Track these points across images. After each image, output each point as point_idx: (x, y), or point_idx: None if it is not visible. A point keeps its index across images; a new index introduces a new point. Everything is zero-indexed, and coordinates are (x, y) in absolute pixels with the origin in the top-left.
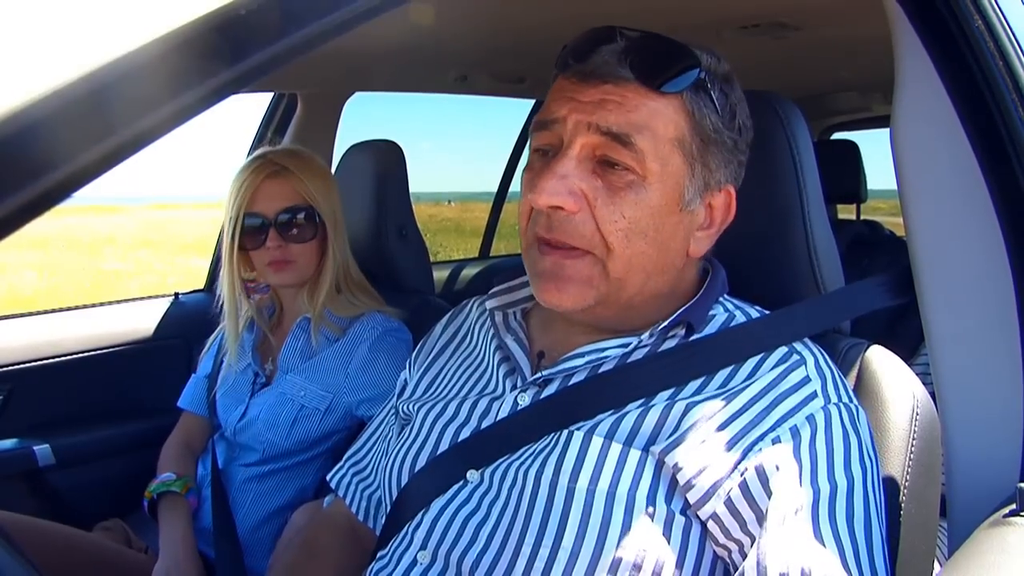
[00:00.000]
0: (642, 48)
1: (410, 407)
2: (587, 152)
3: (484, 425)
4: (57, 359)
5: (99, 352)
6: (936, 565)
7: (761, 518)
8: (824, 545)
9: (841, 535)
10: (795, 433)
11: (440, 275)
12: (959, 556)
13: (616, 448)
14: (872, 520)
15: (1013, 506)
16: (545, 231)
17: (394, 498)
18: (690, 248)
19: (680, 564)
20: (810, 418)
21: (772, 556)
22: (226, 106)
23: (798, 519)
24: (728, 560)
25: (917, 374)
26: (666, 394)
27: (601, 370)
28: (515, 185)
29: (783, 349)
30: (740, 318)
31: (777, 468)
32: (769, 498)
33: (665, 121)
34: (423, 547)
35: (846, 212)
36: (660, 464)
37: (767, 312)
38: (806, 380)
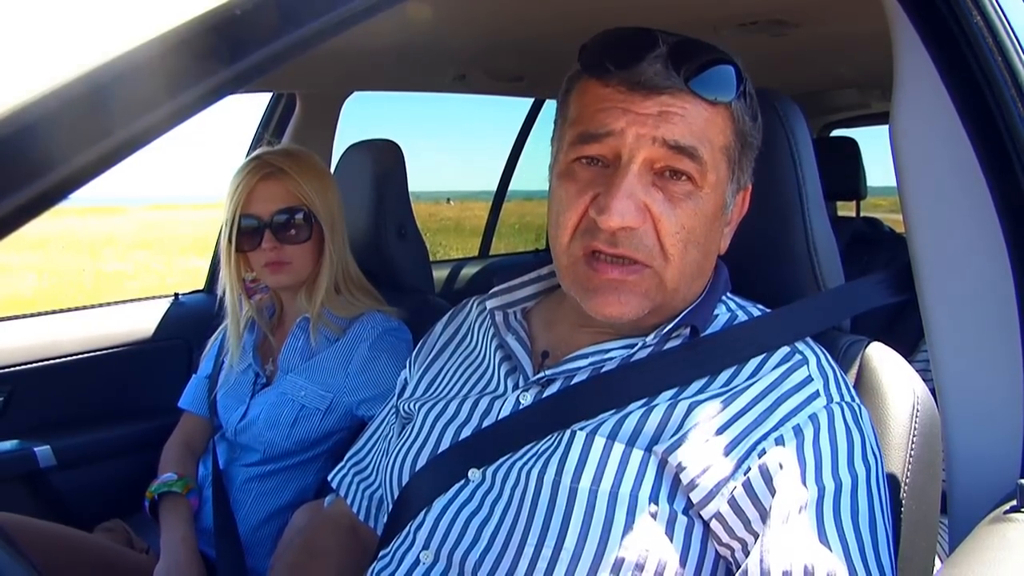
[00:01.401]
0: (688, 55)
1: (411, 406)
2: (647, 166)
3: (485, 424)
4: (58, 360)
5: (99, 353)
6: (937, 562)
7: (765, 516)
8: (828, 542)
9: (845, 532)
10: (798, 432)
11: (440, 274)
12: (960, 553)
13: (619, 448)
14: (876, 517)
15: (1014, 502)
16: (607, 246)
17: (395, 497)
18: (720, 247)
19: (682, 564)
20: (813, 417)
21: (775, 553)
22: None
23: (802, 516)
24: (731, 559)
25: (917, 371)
26: (669, 394)
27: (603, 370)
28: (514, 185)
29: (785, 349)
30: (742, 317)
31: (781, 467)
32: (773, 497)
33: (717, 130)
34: (425, 546)
35: (846, 209)
36: (663, 464)
37: (768, 311)
38: (808, 380)
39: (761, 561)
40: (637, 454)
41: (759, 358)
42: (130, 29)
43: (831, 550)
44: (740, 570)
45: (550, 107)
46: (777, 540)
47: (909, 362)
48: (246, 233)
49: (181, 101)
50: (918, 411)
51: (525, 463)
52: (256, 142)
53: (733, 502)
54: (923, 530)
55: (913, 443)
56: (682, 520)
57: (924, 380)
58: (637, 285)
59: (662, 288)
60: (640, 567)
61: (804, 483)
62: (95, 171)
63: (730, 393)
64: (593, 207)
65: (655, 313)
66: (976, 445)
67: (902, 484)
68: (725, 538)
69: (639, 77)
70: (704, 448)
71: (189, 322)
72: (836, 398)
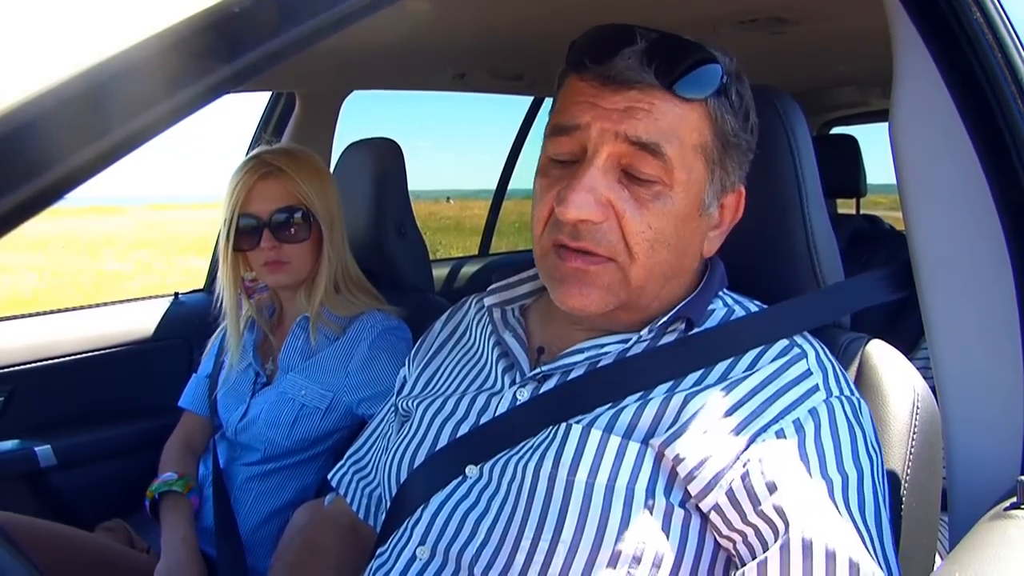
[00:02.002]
0: (665, 51)
1: (409, 403)
2: (613, 161)
3: (483, 420)
4: (58, 360)
5: (100, 353)
6: (937, 559)
7: (763, 509)
8: (845, 530)
9: (857, 522)
10: (799, 427)
11: (439, 273)
12: (960, 549)
13: (615, 441)
14: (881, 509)
15: (1014, 499)
16: (570, 240)
17: (394, 495)
18: (704, 249)
19: (679, 556)
20: (813, 412)
21: (796, 539)
22: (225, 105)
23: (815, 509)
24: (733, 551)
25: (918, 368)
26: (664, 387)
27: (600, 365)
28: (514, 183)
29: (783, 342)
30: (739, 312)
31: (783, 461)
32: (772, 491)
33: (690, 128)
34: (422, 543)
35: (846, 207)
36: (660, 457)
37: (766, 307)
38: (808, 373)
39: (781, 550)
40: (634, 447)
41: (756, 350)
42: (128, 27)
43: (850, 537)
44: (758, 559)
45: (549, 105)
46: (796, 527)
47: (909, 359)
48: (245, 232)
49: (179, 99)
50: (918, 408)
51: (521, 458)
52: (255, 142)
53: (731, 493)
54: (923, 527)
55: (913, 440)
56: (679, 513)
57: (924, 377)
58: (599, 277)
59: (626, 284)
60: (637, 560)
61: (812, 478)
62: (93, 170)
63: (727, 384)
64: (556, 200)
65: (627, 310)
66: (976, 442)
67: (903, 481)
68: (725, 530)
69: (611, 72)
70: (702, 439)
71: (189, 321)
72: (836, 392)
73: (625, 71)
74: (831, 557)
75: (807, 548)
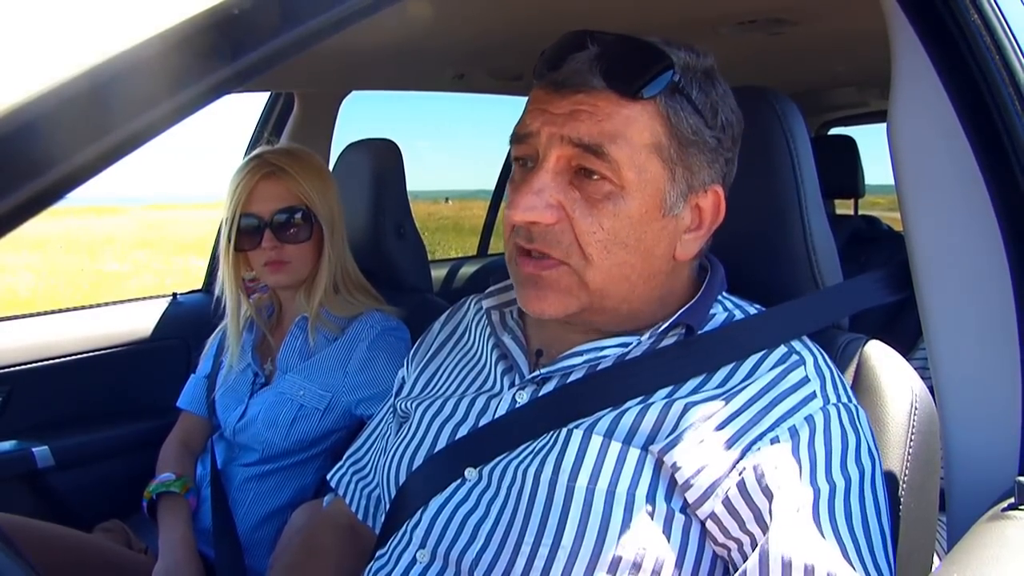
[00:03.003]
0: (613, 54)
1: (408, 405)
2: (563, 164)
3: (482, 423)
4: (56, 360)
5: (98, 353)
6: (935, 559)
7: (759, 517)
8: (826, 543)
9: (841, 533)
10: (794, 433)
11: (438, 273)
12: (958, 550)
13: (615, 446)
14: (871, 518)
15: (1012, 499)
16: (525, 242)
17: (392, 496)
18: (676, 252)
19: (680, 562)
20: (809, 418)
21: (775, 553)
22: (224, 106)
23: (800, 517)
24: (728, 559)
25: (916, 369)
26: (664, 392)
27: (599, 368)
28: None
29: (782, 349)
30: (739, 316)
31: (776, 468)
32: (768, 498)
33: (640, 128)
34: (422, 546)
35: (844, 207)
36: (659, 463)
37: (765, 310)
38: (805, 380)
39: (760, 561)
40: (634, 452)
41: (756, 357)
42: (129, 27)
43: (830, 550)
44: (739, 571)
45: None
46: (778, 540)
47: (907, 360)
48: (246, 232)
49: (180, 99)
50: (916, 409)
51: (521, 462)
52: (254, 142)
53: (728, 502)
54: (922, 528)
55: (911, 441)
56: (679, 518)
57: (922, 378)
58: (555, 281)
59: (584, 287)
60: (637, 566)
61: (800, 484)
62: (94, 169)
63: (726, 393)
64: (507, 204)
65: (593, 312)
66: (974, 443)
67: (900, 482)
68: (721, 538)
69: (559, 77)
70: (699, 448)
71: (187, 322)
72: (833, 399)
73: (572, 76)
74: (809, 572)
75: (786, 566)
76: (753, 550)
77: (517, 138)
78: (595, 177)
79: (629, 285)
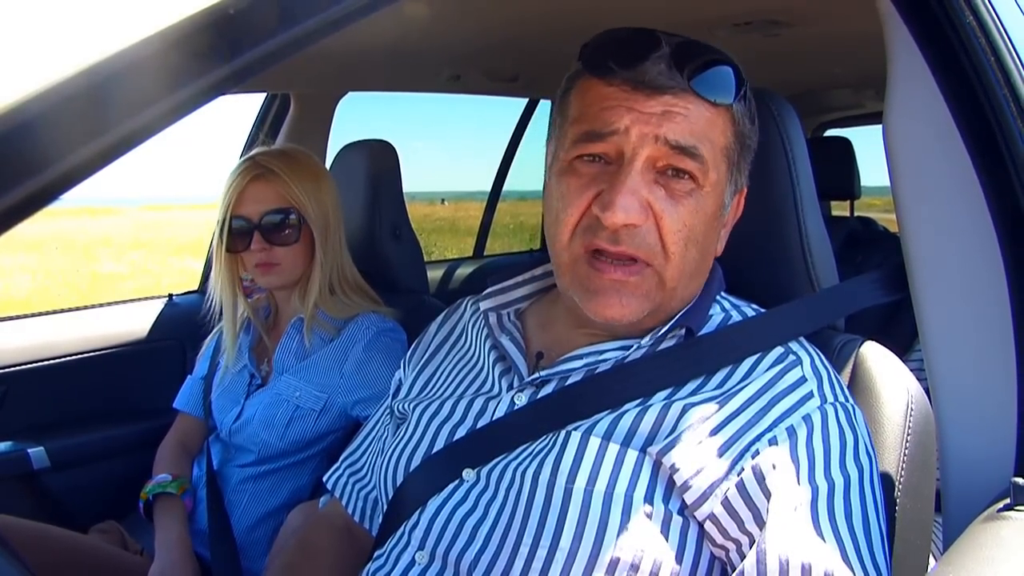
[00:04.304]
0: (690, 56)
1: (405, 407)
2: (650, 163)
3: (480, 424)
4: (52, 361)
5: (94, 354)
6: (931, 560)
7: (759, 517)
8: (823, 542)
9: (840, 532)
10: (791, 433)
11: (434, 274)
12: (954, 551)
13: (614, 448)
14: (870, 517)
15: (1007, 500)
16: (610, 244)
17: (390, 498)
18: (716, 249)
19: (678, 564)
20: (806, 418)
21: (772, 552)
22: (220, 107)
23: (797, 516)
24: (726, 559)
25: (912, 370)
26: (663, 394)
27: (598, 371)
28: (509, 185)
29: (779, 349)
30: (736, 317)
31: (774, 467)
32: (767, 497)
33: (719, 131)
34: (421, 547)
35: (840, 209)
36: (657, 465)
37: (763, 311)
38: (802, 380)
39: (758, 561)
40: (632, 454)
41: (753, 358)
42: (126, 26)
43: (827, 549)
44: (737, 571)
45: (544, 107)
46: (774, 539)
47: (903, 361)
48: (237, 234)
49: (177, 99)
50: (912, 410)
51: (520, 463)
52: (250, 143)
53: (727, 503)
54: (917, 528)
55: (907, 442)
56: (677, 520)
57: (918, 379)
58: (638, 287)
59: (661, 288)
60: (635, 567)
61: (798, 483)
62: (91, 169)
63: (724, 394)
64: (596, 204)
65: (652, 315)
66: (970, 444)
67: (896, 483)
68: (720, 539)
69: (643, 76)
70: (697, 450)
71: (183, 323)
72: (830, 399)
73: (658, 76)
74: (807, 571)
75: (783, 564)
76: (751, 550)
77: (593, 136)
78: (683, 176)
79: (688, 281)
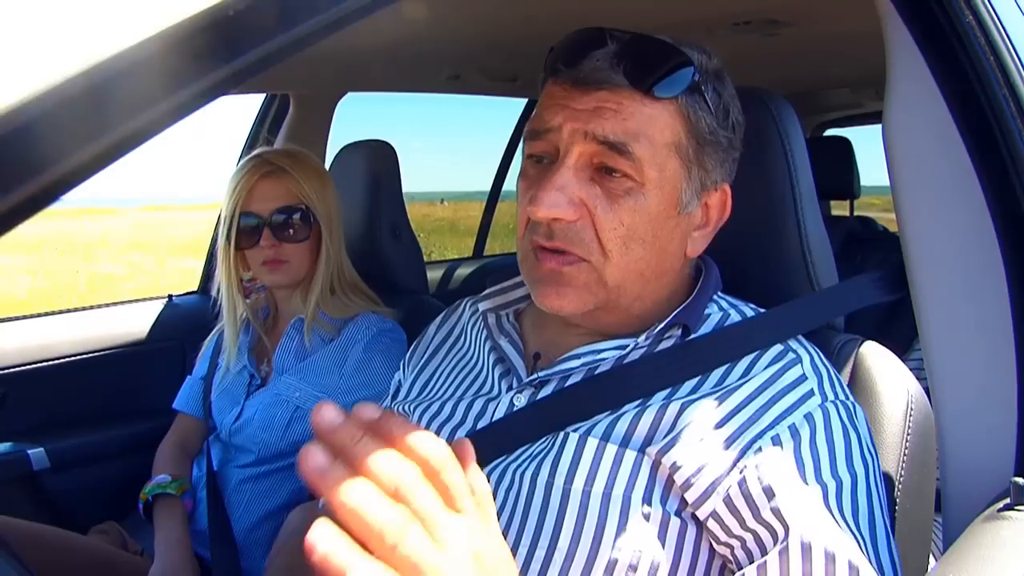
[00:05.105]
0: (634, 52)
1: (405, 408)
2: (584, 160)
3: (479, 425)
4: (51, 362)
5: (93, 355)
6: (931, 559)
7: (760, 515)
8: (844, 534)
9: (851, 528)
10: (795, 432)
11: (434, 275)
12: (954, 550)
13: (612, 449)
14: (876, 515)
15: (1007, 500)
16: (545, 239)
17: None
18: (687, 249)
19: (675, 566)
20: (808, 416)
21: (794, 541)
22: (219, 108)
23: (813, 511)
24: (730, 557)
25: (911, 370)
26: (662, 394)
27: (597, 371)
28: (508, 184)
29: (778, 347)
30: (735, 316)
31: (778, 466)
32: (769, 496)
33: (661, 126)
34: None
35: (840, 208)
36: (656, 465)
37: (761, 310)
38: (803, 378)
39: (780, 553)
40: (630, 455)
41: (751, 356)
42: (125, 27)
43: (848, 541)
44: (756, 563)
45: None
46: (796, 530)
47: (903, 361)
48: (245, 231)
49: (176, 100)
50: (912, 410)
51: (519, 465)
52: (250, 144)
53: (728, 500)
54: (917, 528)
55: (907, 442)
56: (675, 522)
57: (918, 379)
58: (574, 277)
59: (603, 284)
60: (633, 568)
61: (805, 482)
62: (91, 170)
63: (723, 392)
64: (527, 200)
65: (607, 311)
66: (970, 443)
67: (896, 482)
68: (723, 536)
69: (580, 74)
70: (698, 447)
71: (183, 323)
72: (831, 397)
73: (593, 72)
74: (831, 559)
75: (806, 550)
76: (756, 546)
77: (534, 134)
78: (616, 174)
79: (643, 282)
